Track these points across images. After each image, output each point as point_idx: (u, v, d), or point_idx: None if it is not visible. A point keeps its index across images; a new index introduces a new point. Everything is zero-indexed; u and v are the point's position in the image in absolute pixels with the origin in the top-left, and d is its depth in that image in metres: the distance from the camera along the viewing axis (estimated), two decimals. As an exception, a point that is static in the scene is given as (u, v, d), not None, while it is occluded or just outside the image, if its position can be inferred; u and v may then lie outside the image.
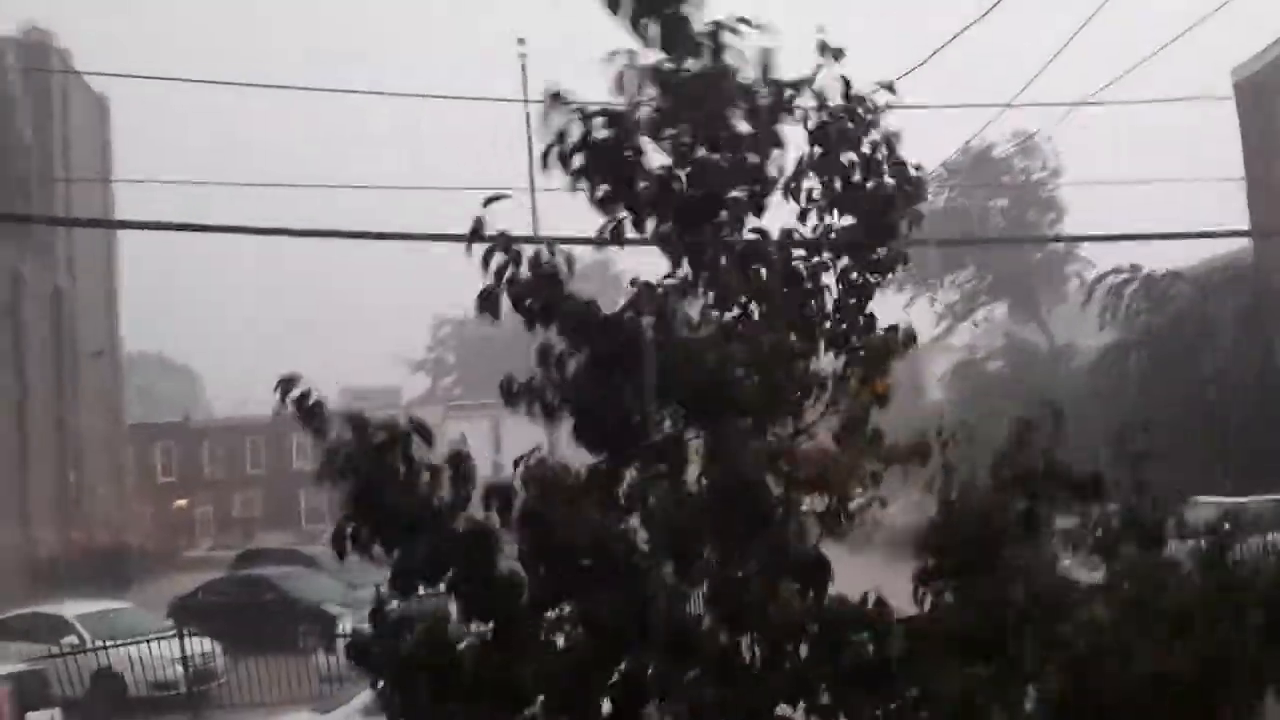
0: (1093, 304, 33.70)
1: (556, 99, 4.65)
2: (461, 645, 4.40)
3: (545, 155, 4.71)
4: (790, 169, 4.92)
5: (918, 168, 5.03)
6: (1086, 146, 50.91)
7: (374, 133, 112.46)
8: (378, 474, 4.38)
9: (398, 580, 4.38)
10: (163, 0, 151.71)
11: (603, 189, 4.74)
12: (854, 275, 4.99)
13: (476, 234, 4.66)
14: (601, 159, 4.70)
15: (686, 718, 4.43)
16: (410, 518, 4.36)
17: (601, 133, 4.68)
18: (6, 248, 46.85)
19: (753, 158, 4.78)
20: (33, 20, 54.37)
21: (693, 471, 4.67)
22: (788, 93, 4.80)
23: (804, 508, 4.77)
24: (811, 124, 4.93)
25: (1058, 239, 52.33)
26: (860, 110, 4.96)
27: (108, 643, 22.62)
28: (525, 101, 32.67)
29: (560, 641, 4.49)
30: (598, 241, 4.89)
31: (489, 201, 4.68)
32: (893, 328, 5.04)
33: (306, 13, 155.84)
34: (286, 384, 4.54)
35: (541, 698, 4.34)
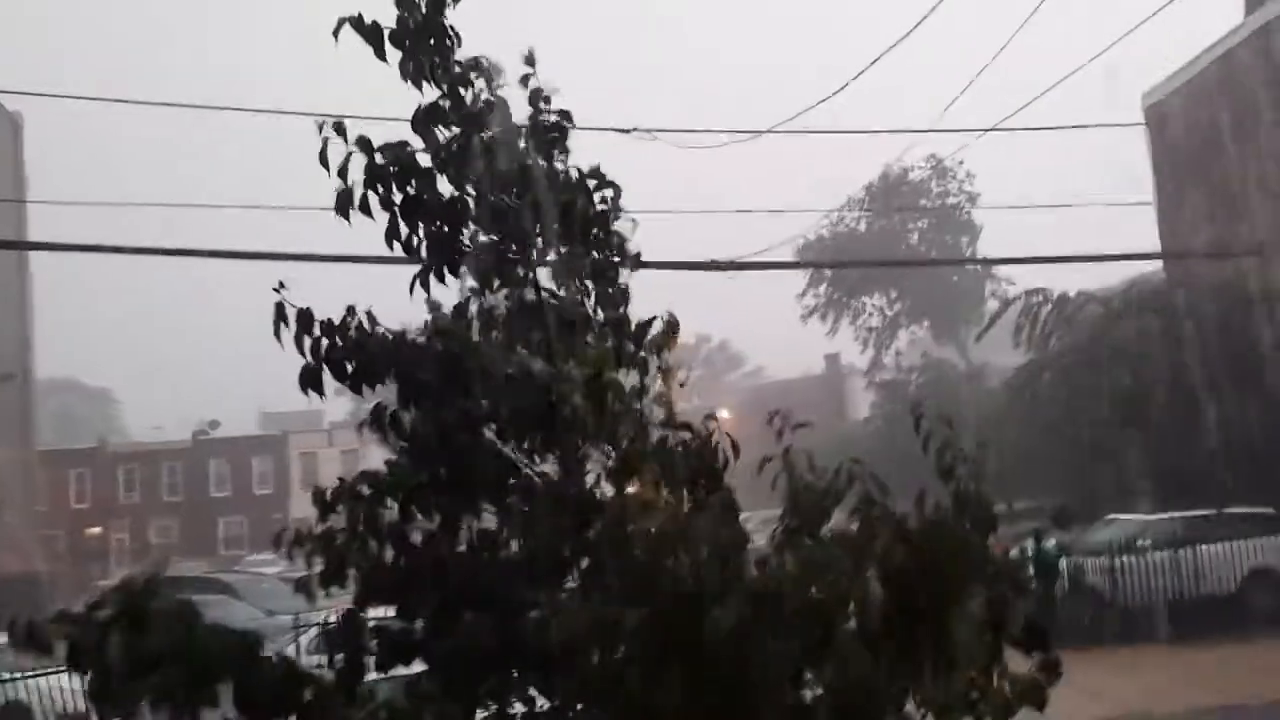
0: (1007, 325, 34.31)
1: (338, 128, 4.65)
2: None
3: (338, 203, 4.70)
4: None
5: (613, 185, 5.07)
6: (1001, 170, 51.92)
7: (283, 151, 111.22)
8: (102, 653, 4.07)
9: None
10: (76, 19, 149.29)
11: (399, 226, 4.79)
12: (601, 295, 5.05)
13: (281, 316, 4.60)
14: (387, 191, 4.74)
15: None
16: (148, 663, 4.09)
17: (385, 165, 4.73)
18: (-87, 269, 45.64)
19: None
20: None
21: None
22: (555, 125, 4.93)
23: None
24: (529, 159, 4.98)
25: (973, 261, 53.29)
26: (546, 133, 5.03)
27: (17, 674, 22.03)
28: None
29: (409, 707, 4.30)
30: (402, 261, 4.90)
31: (280, 287, 4.64)
32: (648, 321, 5.03)
33: (218, 31, 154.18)
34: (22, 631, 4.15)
35: None
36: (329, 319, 4.65)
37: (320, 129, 4.62)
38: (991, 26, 22.49)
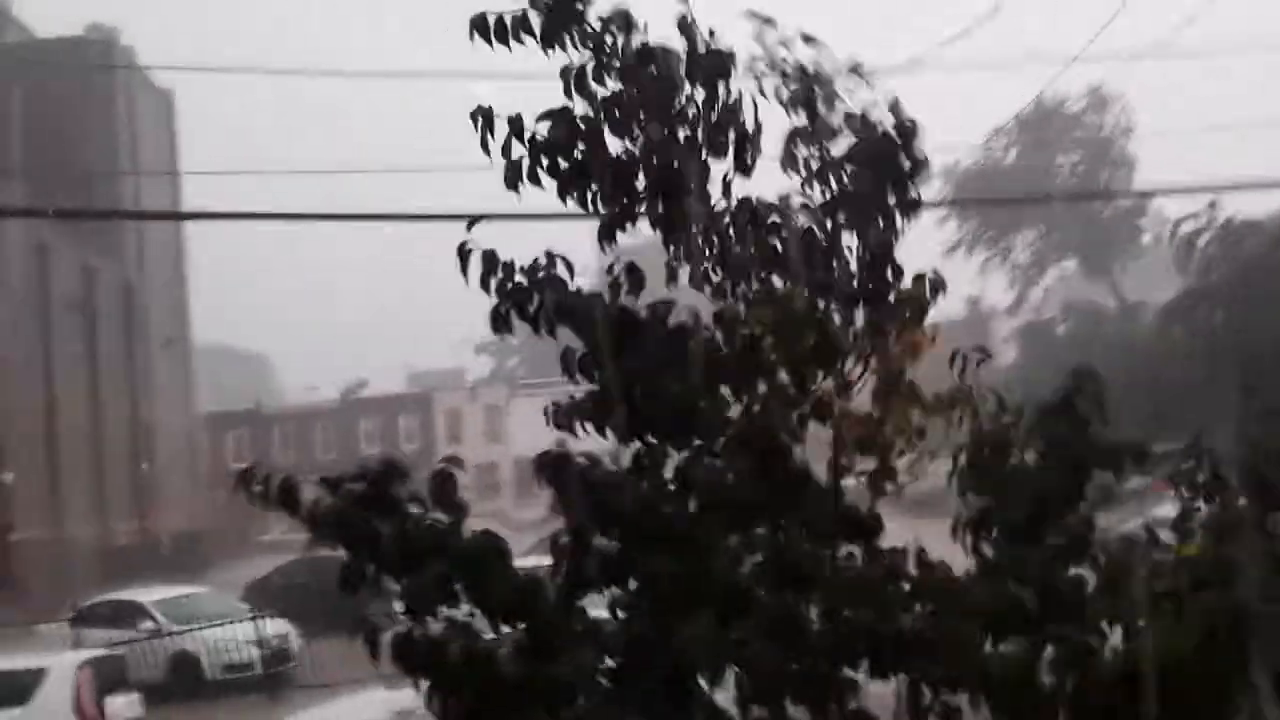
0: (1162, 263, 32.98)
1: (487, 116, 4.62)
2: (500, 651, 4.33)
3: (507, 178, 4.69)
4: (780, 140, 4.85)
5: (911, 122, 4.84)
6: (1159, 96, 49.76)
7: (435, 114, 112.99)
8: (364, 529, 4.33)
9: (411, 607, 4.31)
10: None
11: (571, 191, 4.74)
12: (869, 233, 4.85)
13: (465, 259, 4.61)
14: (554, 160, 4.69)
15: (746, 685, 4.35)
16: (406, 549, 4.32)
17: (550, 133, 4.67)
18: (78, 243, 47.72)
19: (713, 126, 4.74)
20: (96, 20, 55.40)
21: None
22: (724, 60, 4.73)
23: (850, 468, 4.66)
24: (784, 93, 4.84)
25: (1128, 194, 51.17)
26: (827, 72, 4.86)
27: (184, 627, 23.00)
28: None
29: (605, 625, 4.41)
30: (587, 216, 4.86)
31: (471, 224, 4.66)
32: (919, 277, 4.87)
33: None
34: (244, 478, 4.53)
35: (585, 694, 4.28)
36: (512, 259, 4.66)
37: (475, 122, 4.63)
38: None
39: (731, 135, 4.76)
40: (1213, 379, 29.23)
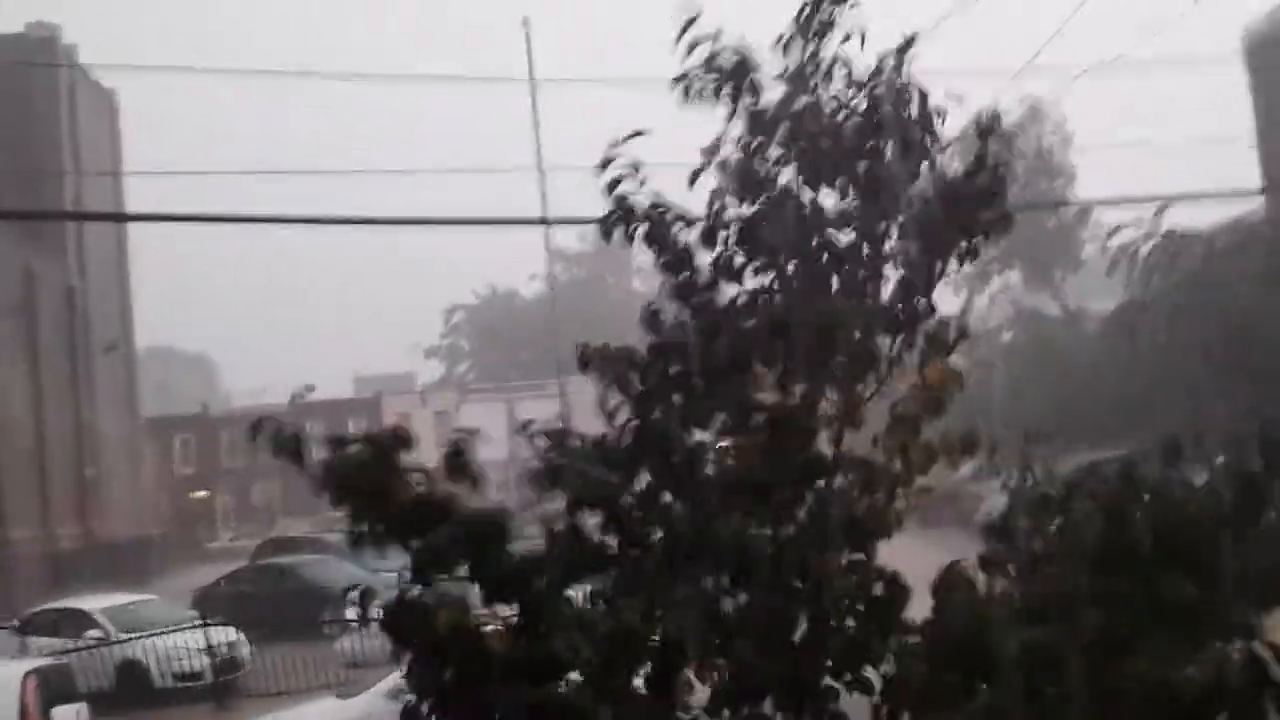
0: (1100, 271, 33.55)
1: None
2: (488, 628, 4.41)
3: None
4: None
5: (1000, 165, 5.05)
6: (1096, 112, 50.53)
7: (382, 119, 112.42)
8: (371, 484, 4.38)
9: (417, 572, 4.38)
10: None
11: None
12: (918, 262, 5.05)
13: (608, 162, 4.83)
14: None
15: (727, 683, 4.44)
16: (418, 514, 4.39)
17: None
18: (17, 244, 46.99)
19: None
20: (38, 17, 54.55)
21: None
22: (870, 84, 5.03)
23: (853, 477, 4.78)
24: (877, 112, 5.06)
25: (1067, 204, 51.97)
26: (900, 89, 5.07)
27: (132, 635, 22.77)
28: (530, 81, 32.63)
29: (595, 613, 4.50)
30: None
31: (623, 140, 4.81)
32: (945, 321, 5.02)
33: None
34: (259, 426, 4.70)
35: (575, 672, 4.37)
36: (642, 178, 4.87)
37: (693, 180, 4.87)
38: (1084, -37, 21.76)
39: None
40: (1153, 388, 29.83)
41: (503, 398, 64.32)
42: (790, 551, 4.56)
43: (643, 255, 5.11)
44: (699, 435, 4.73)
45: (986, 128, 5.00)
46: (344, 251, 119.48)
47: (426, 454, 4.92)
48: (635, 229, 4.87)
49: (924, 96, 5.03)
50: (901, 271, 5.04)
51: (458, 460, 4.53)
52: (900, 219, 5.02)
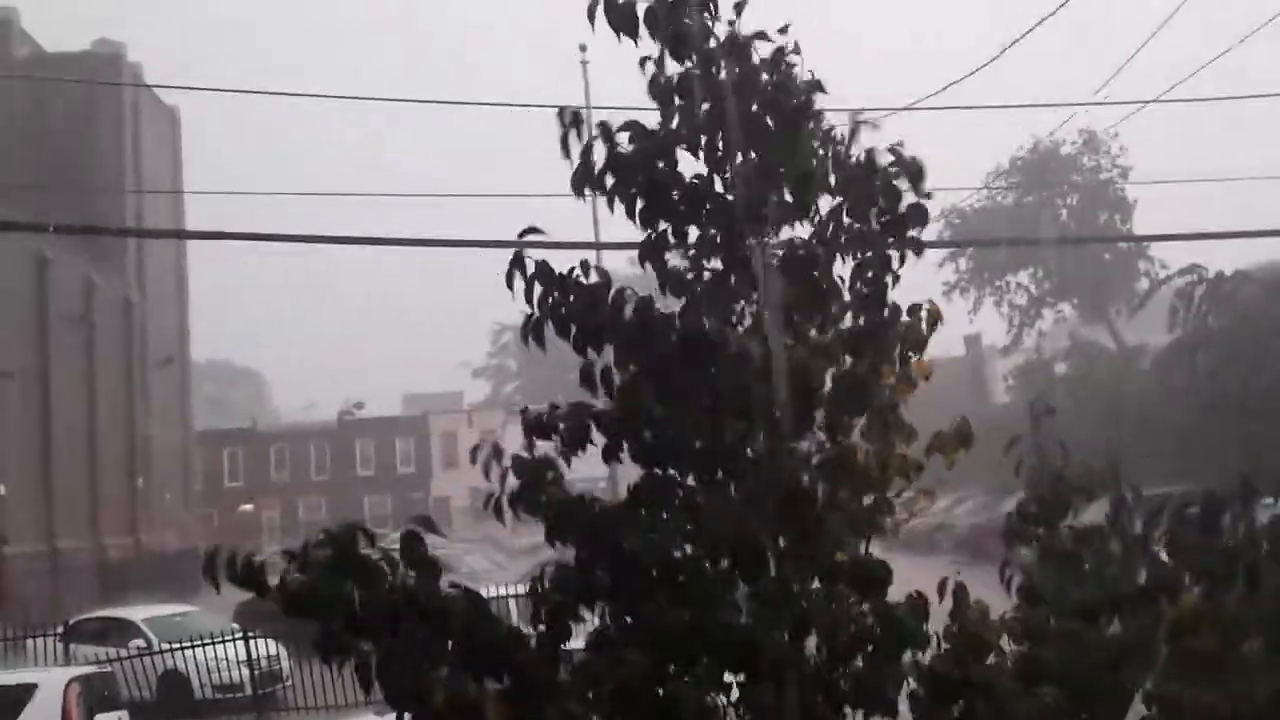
0: (1158, 305, 33.17)
1: (575, 118, 4.64)
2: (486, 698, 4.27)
3: (574, 179, 4.69)
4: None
5: (915, 162, 4.86)
6: (1158, 145, 49.89)
7: (439, 143, 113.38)
8: (335, 597, 4.21)
9: (388, 673, 4.18)
10: (231, 14, 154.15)
11: (639, 203, 4.71)
12: (868, 272, 4.84)
13: (517, 264, 4.62)
14: (630, 174, 4.68)
15: None
16: (381, 613, 4.21)
17: (627, 147, 4.67)
18: (79, 258, 47.79)
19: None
20: (104, 35, 55.64)
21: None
22: (809, 95, 4.73)
23: (849, 508, 4.65)
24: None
25: (1125, 239, 51.43)
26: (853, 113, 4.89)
27: (175, 645, 22.95)
28: (588, 108, 32.86)
29: (597, 667, 4.37)
30: (634, 246, 4.86)
31: (524, 233, 4.67)
32: (915, 307, 4.87)
33: (368, 25, 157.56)
34: (211, 561, 4.31)
35: None
36: (561, 273, 4.65)
37: (562, 116, 4.64)
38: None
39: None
40: (1204, 425, 29.40)
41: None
42: (797, 603, 4.44)
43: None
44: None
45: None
46: (396, 271, 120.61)
47: (472, 473, 4.84)
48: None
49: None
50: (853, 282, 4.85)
51: (413, 549, 4.29)
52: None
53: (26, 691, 17.52)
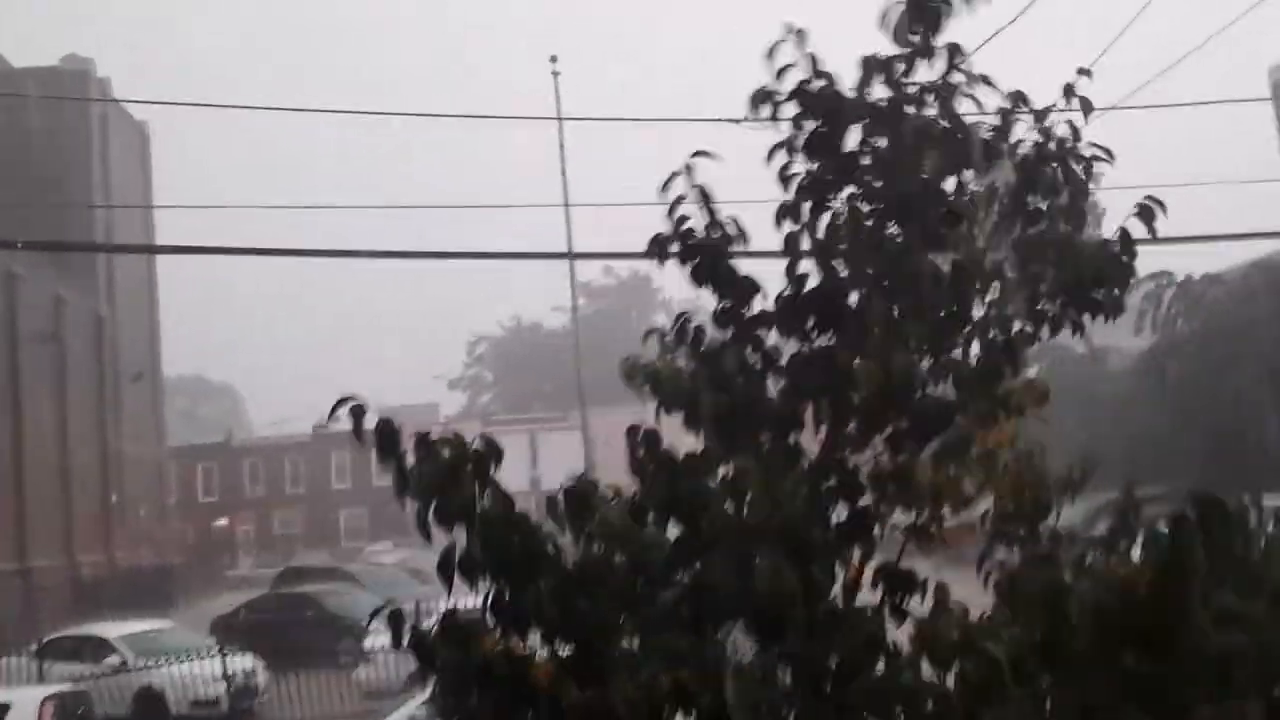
0: (1130, 308, 33.47)
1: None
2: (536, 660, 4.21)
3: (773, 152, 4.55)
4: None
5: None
6: (1121, 150, 50.32)
7: (408, 155, 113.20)
8: (459, 496, 4.14)
9: (505, 618, 4.09)
10: (199, 28, 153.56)
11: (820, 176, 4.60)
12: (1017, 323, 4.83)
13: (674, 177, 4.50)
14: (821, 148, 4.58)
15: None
16: (529, 559, 4.13)
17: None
18: (48, 274, 47.49)
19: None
20: (73, 50, 55.39)
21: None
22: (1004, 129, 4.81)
23: (893, 521, 4.57)
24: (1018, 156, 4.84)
25: (1095, 243, 51.82)
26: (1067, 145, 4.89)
27: (150, 662, 22.84)
28: (559, 119, 32.79)
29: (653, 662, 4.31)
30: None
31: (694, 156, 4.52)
32: (1030, 381, 4.83)
33: (341, 36, 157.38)
34: (342, 406, 4.29)
35: None
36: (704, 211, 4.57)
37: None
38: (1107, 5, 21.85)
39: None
40: (1178, 429, 29.69)
41: (525, 428, 64.49)
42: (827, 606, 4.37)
43: (671, 288, 4.93)
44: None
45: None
46: (369, 283, 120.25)
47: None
48: (692, 256, 4.58)
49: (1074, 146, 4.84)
50: (994, 332, 4.76)
51: (581, 496, 4.20)
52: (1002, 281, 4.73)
53: (0, 711, 17.43)
